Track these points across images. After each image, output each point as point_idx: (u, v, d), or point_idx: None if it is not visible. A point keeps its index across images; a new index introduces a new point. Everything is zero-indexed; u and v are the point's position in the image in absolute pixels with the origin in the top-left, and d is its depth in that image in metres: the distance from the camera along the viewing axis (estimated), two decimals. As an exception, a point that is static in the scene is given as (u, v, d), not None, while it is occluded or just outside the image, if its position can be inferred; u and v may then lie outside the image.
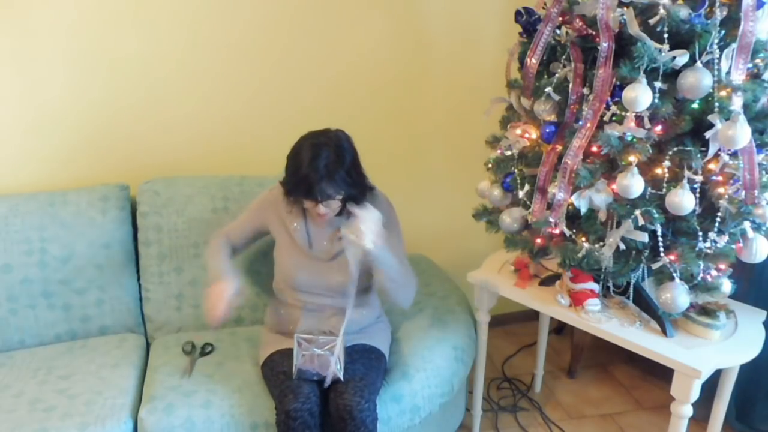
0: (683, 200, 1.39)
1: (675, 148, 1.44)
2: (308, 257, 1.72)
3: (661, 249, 1.48)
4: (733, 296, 1.63)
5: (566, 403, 2.37)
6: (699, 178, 1.41)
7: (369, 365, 1.64)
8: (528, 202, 1.68)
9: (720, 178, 1.43)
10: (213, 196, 2.06)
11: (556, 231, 1.60)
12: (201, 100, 2.18)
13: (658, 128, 1.43)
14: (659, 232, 1.46)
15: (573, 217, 1.59)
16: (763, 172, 1.42)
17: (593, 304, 1.68)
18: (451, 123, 2.52)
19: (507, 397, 2.41)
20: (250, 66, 2.20)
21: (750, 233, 1.46)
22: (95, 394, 1.66)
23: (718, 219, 1.44)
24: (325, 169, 1.54)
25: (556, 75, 1.59)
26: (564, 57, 1.59)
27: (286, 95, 2.27)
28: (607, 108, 1.46)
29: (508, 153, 1.74)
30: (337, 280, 1.69)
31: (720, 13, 1.34)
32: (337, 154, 1.57)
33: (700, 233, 1.46)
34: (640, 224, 1.45)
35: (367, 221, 1.54)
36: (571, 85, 1.54)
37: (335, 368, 1.56)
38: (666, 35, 1.36)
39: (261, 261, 2.04)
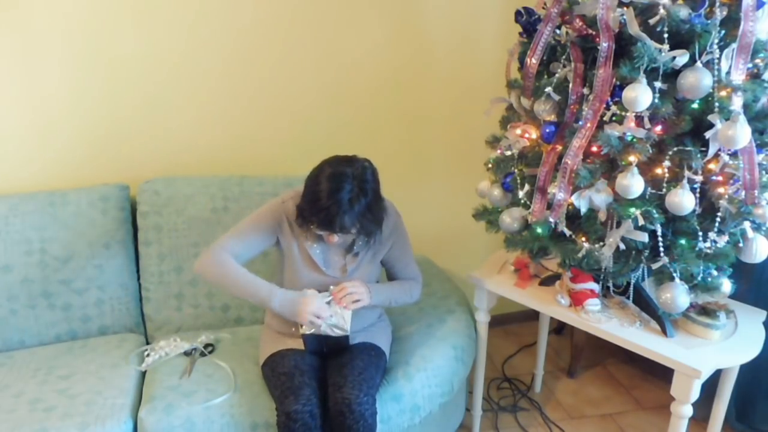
0: (683, 200, 1.39)
1: (675, 148, 1.44)
2: (323, 275, 1.68)
3: (661, 249, 1.48)
4: (733, 296, 1.63)
5: (566, 403, 2.37)
6: (699, 178, 1.41)
7: (368, 361, 1.64)
8: (528, 202, 1.68)
9: (720, 178, 1.43)
10: (213, 195, 2.06)
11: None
12: (201, 100, 2.18)
13: (658, 128, 1.43)
14: (659, 232, 1.46)
15: (573, 217, 1.59)
16: (763, 172, 1.42)
17: (593, 304, 1.68)
18: (451, 123, 2.52)
19: (507, 397, 2.41)
20: (250, 66, 2.20)
21: (750, 233, 1.46)
22: (95, 394, 1.66)
23: (718, 219, 1.44)
24: (348, 203, 1.48)
25: (556, 75, 1.59)
26: (564, 57, 1.59)
27: (286, 95, 2.27)
28: (607, 108, 1.46)
29: (508, 153, 1.74)
30: None
31: (720, 13, 1.34)
32: (360, 187, 1.51)
33: (700, 233, 1.46)
34: (640, 224, 1.45)
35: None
36: (571, 85, 1.53)
37: (342, 318, 1.60)
38: (666, 35, 1.36)
39: (261, 260, 2.03)
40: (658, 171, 1.46)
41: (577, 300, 1.71)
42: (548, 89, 1.57)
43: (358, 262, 1.70)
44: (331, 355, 1.68)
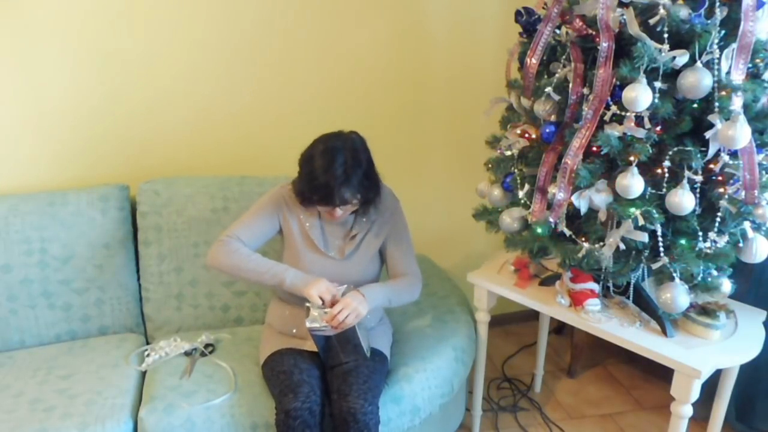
0: (683, 200, 1.39)
1: (675, 148, 1.43)
2: (323, 256, 1.70)
3: (661, 249, 1.48)
4: (733, 296, 1.63)
5: (566, 403, 2.37)
6: (699, 178, 1.41)
7: (372, 368, 1.63)
8: (528, 202, 1.67)
9: (720, 178, 1.43)
10: (213, 196, 2.06)
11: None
12: (201, 100, 2.18)
13: (658, 128, 1.43)
14: (659, 232, 1.46)
15: (573, 217, 1.59)
16: (763, 172, 1.42)
17: (593, 304, 1.68)
18: (451, 123, 2.52)
19: (507, 397, 2.41)
20: (250, 66, 2.20)
21: (750, 233, 1.46)
22: (95, 394, 1.66)
23: (718, 219, 1.44)
24: (343, 175, 1.51)
25: (556, 75, 1.59)
26: (564, 57, 1.59)
27: (286, 96, 2.27)
28: (607, 108, 1.46)
29: (508, 153, 1.74)
30: (351, 280, 1.67)
31: (720, 13, 1.34)
32: (354, 157, 1.55)
33: (700, 233, 1.46)
34: (640, 224, 1.45)
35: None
36: (571, 85, 1.53)
37: (360, 337, 1.56)
38: (666, 35, 1.36)
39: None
40: (658, 171, 1.46)
41: (577, 300, 1.71)
42: (548, 89, 1.57)
43: (356, 245, 1.71)
44: (339, 358, 1.65)
